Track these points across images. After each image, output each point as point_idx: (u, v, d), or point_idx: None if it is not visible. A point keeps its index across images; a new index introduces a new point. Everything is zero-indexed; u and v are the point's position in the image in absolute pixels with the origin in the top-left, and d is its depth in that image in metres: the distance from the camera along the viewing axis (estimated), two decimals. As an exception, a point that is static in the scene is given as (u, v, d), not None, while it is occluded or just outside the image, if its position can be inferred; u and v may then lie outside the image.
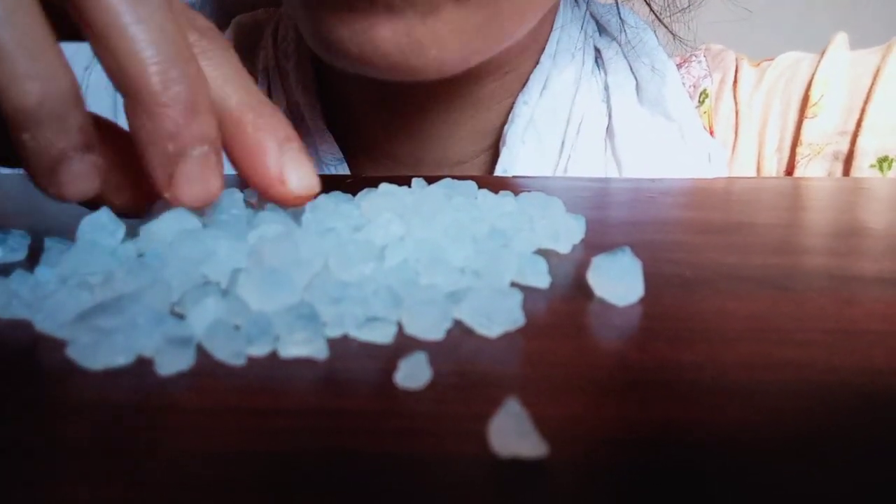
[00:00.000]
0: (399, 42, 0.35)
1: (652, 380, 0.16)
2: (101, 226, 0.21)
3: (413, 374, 0.15)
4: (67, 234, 0.21)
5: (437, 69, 0.37)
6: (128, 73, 0.20)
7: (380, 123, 0.47)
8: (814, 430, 0.14)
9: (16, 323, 0.19)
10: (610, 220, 0.30)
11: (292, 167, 0.22)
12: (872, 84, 0.45)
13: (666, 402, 0.15)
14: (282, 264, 0.19)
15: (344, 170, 0.47)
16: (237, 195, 0.23)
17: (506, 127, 0.46)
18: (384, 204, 0.24)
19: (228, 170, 0.33)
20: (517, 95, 0.47)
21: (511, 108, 0.47)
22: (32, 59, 0.19)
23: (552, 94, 0.47)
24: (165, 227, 0.21)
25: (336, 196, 0.26)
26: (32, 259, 0.23)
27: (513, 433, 0.13)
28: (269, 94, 0.49)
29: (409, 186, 0.27)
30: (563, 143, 0.47)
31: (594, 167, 0.46)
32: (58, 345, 0.17)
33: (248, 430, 0.14)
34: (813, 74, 0.47)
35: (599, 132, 0.47)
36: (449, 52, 0.36)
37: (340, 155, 0.47)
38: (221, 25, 0.52)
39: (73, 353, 0.16)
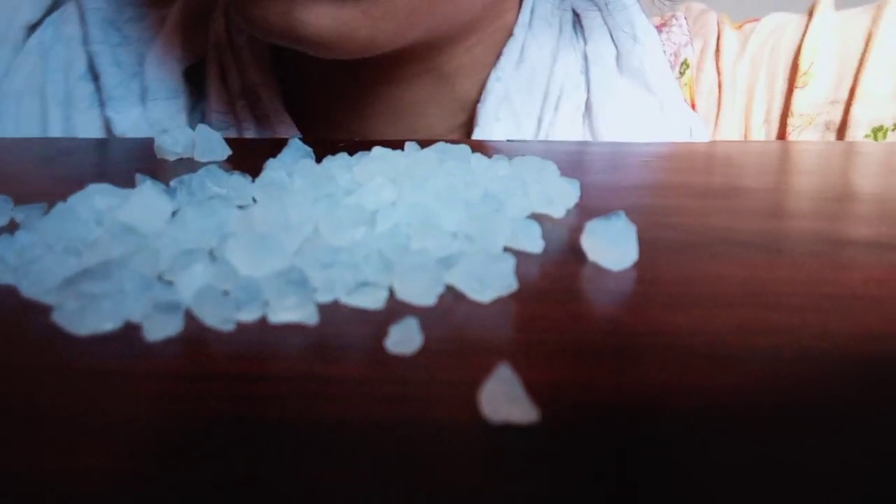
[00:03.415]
0: (323, 24, 0.33)
1: (646, 345, 0.16)
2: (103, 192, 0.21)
3: (404, 339, 0.15)
4: (50, 199, 0.21)
5: (367, 48, 0.35)
6: None
7: (343, 101, 0.44)
8: (807, 396, 0.14)
9: (1, 288, 0.18)
10: (605, 184, 0.30)
11: None
12: (864, 50, 0.43)
13: (660, 368, 0.15)
14: (271, 229, 0.19)
15: None
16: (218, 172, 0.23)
17: (479, 104, 0.43)
18: (376, 168, 0.24)
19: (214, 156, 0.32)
20: (491, 69, 0.43)
21: (485, 82, 0.45)
22: None
23: (529, 66, 0.43)
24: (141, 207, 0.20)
25: (328, 160, 0.26)
26: (14, 225, 0.23)
27: (504, 399, 0.13)
28: (223, 73, 0.45)
29: (403, 150, 0.27)
30: (539, 119, 0.44)
31: None
32: (44, 310, 0.17)
33: (237, 396, 0.14)
34: (801, 41, 0.45)
35: (578, 107, 0.44)
36: (380, 31, 0.34)
37: (300, 137, 0.44)
38: None
39: (59, 318, 0.16)
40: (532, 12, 0.44)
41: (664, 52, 0.46)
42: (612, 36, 0.46)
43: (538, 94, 0.44)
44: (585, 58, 0.45)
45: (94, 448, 0.12)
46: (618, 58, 0.45)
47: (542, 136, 0.44)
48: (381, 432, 0.12)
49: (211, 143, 0.32)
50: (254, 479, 0.11)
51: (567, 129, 0.44)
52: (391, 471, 0.11)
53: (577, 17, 0.47)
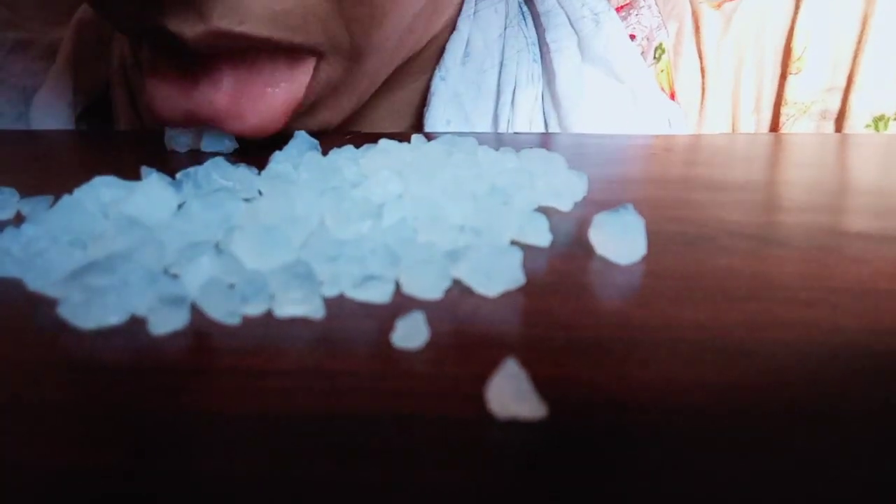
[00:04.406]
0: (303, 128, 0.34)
1: (654, 339, 0.15)
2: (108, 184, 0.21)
3: (410, 334, 0.15)
4: (55, 192, 0.21)
5: (328, 126, 0.35)
6: None
7: None
8: (819, 391, 0.13)
9: (7, 281, 0.18)
10: (612, 176, 0.29)
11: None
12: (861, 34, 0.40)
13: (668, 363, 0.14)
14: (277, 222, 0.19)
15: None
16: (224, 164, 0.23)
17: (425, 108, 0.40)
18: (382, 161, 0.24)
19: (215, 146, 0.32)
20: (434, 69, 0.40)
21: (429, 83, 0.40)
22: None
23: (475, 61, 0.40)
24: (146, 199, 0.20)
25: (333, 153, 0.26)
26: (20, 217, 0.23)
27: (511, 394, 0.13)
28: (131, 96, 0.41)
29: (409, 143, 0.27)
30: (495, 117, 0.40)
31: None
32: (49, 303, 0.17)
33: (242, 390, 0.13)
34: (792, 23, 0.41)
35: (536, 97, 0.41)
36: (348, 109, 0.35)
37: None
38: (53, 23, 0.44)
39: (64, 311, 0.16)
40: (477, 2, 0.41)
41: (635, 36, 0.43)
42: (570, 21, 0.42)
43: (489, 91, 0.40)
44: (545, 46, 0.42)
45: (99, 442, 0.12)
46: (580, 45, 0.41)
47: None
48: (387, 427, 0.12)
49: (217, 135, 0.32)
50: (259, 474, 0.11)
51: (527, 125, 0.41)
52: (397, 466, 0.11)
53: (527, 1, 0.43)
